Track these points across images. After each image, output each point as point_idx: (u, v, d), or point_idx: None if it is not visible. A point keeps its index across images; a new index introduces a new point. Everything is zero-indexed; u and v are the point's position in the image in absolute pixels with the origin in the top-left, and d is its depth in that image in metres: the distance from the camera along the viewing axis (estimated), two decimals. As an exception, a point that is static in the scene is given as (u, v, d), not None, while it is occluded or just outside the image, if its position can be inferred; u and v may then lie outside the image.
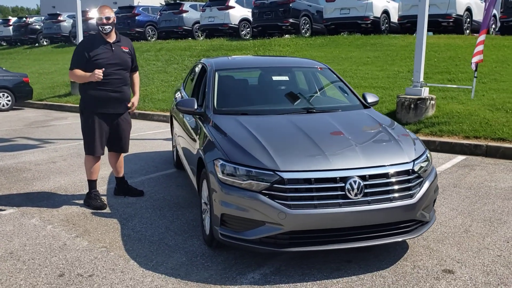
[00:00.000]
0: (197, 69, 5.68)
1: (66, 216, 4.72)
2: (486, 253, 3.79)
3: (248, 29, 19.32)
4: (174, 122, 6.16)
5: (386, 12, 16.07)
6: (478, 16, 15.28)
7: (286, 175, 3.29)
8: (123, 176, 5.29)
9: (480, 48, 7.86)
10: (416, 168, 3.53)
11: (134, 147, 7.90)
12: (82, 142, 5.02)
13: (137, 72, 5.13)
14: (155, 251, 3.89)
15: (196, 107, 4.45)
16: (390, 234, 3.43)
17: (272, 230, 3.29)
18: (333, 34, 16.29)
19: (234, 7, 19.14)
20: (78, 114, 5.03)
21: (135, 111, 4.97)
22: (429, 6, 14.24)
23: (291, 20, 16.82)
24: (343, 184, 3.29)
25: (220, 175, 3.49)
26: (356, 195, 3.28)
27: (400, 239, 3.48)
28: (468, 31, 14.84)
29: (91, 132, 4.82)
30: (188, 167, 5.03)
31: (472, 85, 8.18)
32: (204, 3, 21.02)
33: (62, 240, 4.11)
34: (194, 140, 4.52)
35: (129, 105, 4.99)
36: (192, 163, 4.58)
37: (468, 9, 14.56)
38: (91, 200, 4.96)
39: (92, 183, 5.01)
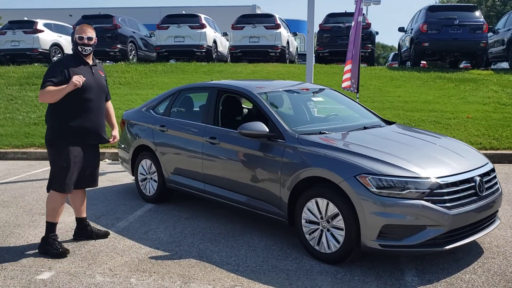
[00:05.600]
0: (207, 94, 5.34)
1: (129, 265, 3.98)
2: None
3: (60, 55, 17.78)
4: (162, 153, 5.60)
5: (215, 41, 17.04)
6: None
7: (441, 181, 3.69)
8: (86, 217, 4.62)
9: (347, 75, 9.25)
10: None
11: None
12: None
13: (110, 101, 4.60)
14: (291, 279, 3.73)
15: (268, 130, 4.38)
16: (493, 222, 4.16)
17: (434, 232, 3.62)
18: (164, 61, 16.43)
19: (43, 31, 17.33)
20: None
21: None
22: (260, 38, 15.77)
23: (119, 46, 16.27)
24: (474, 184, 3.87)
25: (373, 189, 3.65)
26: (482, 191, 3.91)
27: (497, 225, 4.21)
28: (288, 61, 16.94)
29: (66, 166, 4.11)
30: (229, 194, 4.80)
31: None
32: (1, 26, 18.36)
33: (180, 289, 3.55)
34: (261, 164, 4.43)
35: (110, 139, 4.47)
36: (263, 187, 4.42)
37: (288, 42, 16.71)
38: (49, 246, 4.20)
39: (53, 226, 4.26)
